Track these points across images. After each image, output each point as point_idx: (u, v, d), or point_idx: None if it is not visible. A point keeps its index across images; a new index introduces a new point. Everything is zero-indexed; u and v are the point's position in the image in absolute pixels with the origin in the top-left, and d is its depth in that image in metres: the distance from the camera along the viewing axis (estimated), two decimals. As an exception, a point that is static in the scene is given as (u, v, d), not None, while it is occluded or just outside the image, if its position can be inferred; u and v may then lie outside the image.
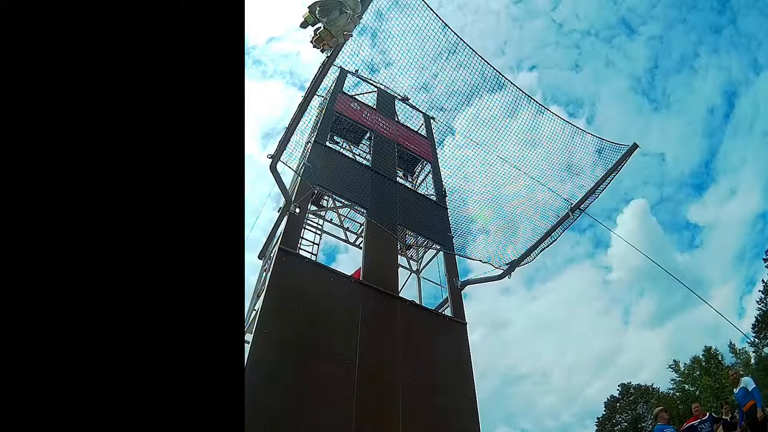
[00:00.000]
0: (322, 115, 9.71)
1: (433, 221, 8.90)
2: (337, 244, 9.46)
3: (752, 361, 24.39)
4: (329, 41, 4.46)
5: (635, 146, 6.89)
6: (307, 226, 8.53)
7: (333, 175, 8.07)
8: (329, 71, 6.13)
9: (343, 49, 5.64)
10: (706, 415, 6.34)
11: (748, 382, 5.99)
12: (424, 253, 9.68)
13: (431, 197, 9.82)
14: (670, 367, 28.66)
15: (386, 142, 10.31)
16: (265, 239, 8.23)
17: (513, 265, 7.86)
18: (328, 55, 5.26)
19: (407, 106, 11.84)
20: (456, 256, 8.42)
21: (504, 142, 7.79)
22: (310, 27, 4.42)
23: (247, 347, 5.11)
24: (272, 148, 6.37)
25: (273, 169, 6.42)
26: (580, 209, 7.25)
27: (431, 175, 10.58)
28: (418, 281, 9.21)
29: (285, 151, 6.40)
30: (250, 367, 4.77)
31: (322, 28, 4.36)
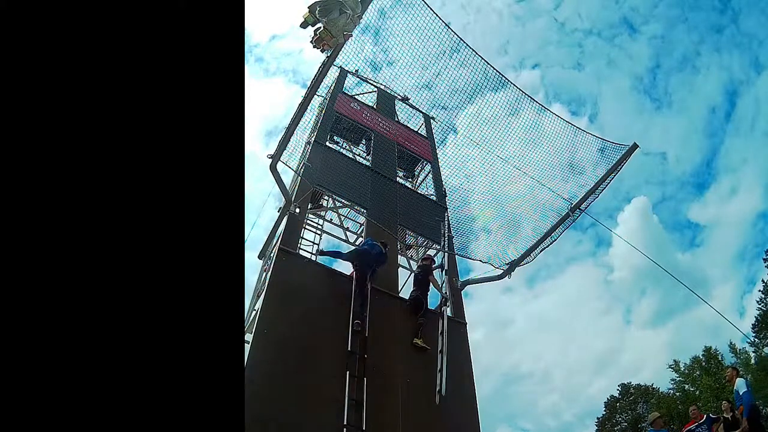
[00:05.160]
0: (322, 115, 9.71)
1: (433, 221, 8.89)
2: (338, 244, 9.45)
3: (752, 361, 24.34)
4: (329, 41, 4.46)
5: (635, 146, 6.93)
6: (307, 226, 8.51)
7: (333, 175, 8.06)
8: (329, 71, 6.12)
9: (344, 49, 5.64)
10: (703, 417, 6.25)
11: (740, 384, 5.87)
12: (424, 253, 9.67)
13: (431, 197, 9.82)
14: (670, 367, 28.60)
15: (386, 142, 10.30)
16: (265, 238, 8.23)
17: (513, 265, 7.85)
18: (329, 55, 5.26)
19: (407, 106, 11.83)
20: (456, 256, 8.41)
21: (505, 141, 7.80)
22: (310, 27, 4.43)
23: (247, 347, 5.11)
24: (274, 147, 6.38)
25: (273, 169, 6.42)
26: (580, 209, 7.25)
27: (431, 175, 10.58)
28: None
29: (285, 150, 6.40)
30: (250, 367, 4.76)
31: (322, 28, 4.36)
